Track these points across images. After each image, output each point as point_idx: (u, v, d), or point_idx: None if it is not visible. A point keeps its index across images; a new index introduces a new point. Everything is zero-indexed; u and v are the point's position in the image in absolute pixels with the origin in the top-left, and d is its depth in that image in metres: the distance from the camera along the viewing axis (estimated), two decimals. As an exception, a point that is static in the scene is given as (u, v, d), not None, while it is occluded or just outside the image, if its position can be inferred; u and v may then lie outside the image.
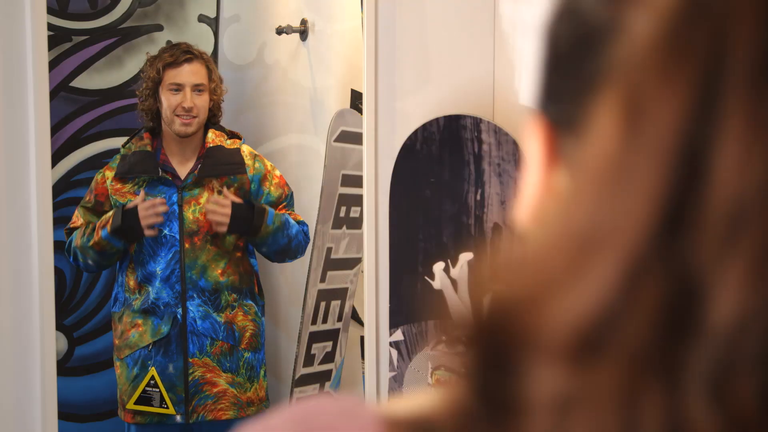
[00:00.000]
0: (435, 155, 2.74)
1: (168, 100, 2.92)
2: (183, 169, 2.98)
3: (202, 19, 4.05)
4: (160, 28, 4.03)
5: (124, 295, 2.98)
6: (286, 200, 3.07)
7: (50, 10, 3.38)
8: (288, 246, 3.01)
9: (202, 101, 2.93)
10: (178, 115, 2.92)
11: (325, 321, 3.45)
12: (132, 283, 2.96)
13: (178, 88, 2.90)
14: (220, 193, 2.94)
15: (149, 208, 2.83)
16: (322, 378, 3.49)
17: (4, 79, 2.36)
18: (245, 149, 3.04)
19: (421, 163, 2.74)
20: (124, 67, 3.99)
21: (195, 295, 2.92)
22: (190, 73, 2.92)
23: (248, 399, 3.00)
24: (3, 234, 2.37)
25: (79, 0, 3.93)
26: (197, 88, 2.92)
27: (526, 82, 2.77)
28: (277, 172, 3.07)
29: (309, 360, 3.43)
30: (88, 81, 3.88)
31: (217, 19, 4.05)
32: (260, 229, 2.89)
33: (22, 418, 2.41)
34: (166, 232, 2.92)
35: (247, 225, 2.88)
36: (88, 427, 3.69)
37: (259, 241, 2.95)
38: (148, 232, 2.84)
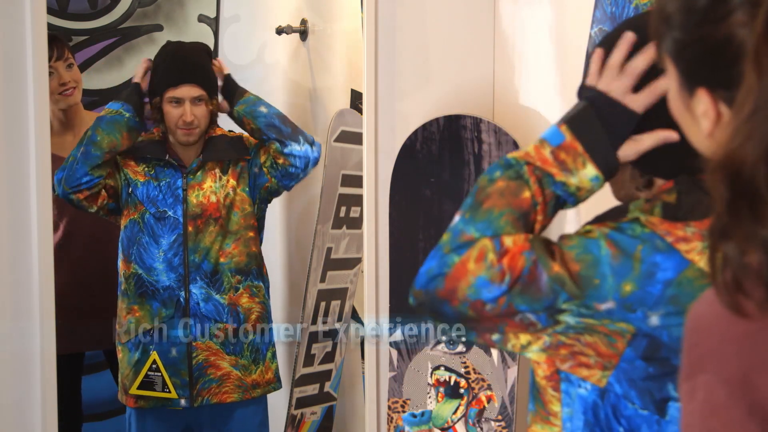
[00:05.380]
0: (435, 155, 2.73)
1: (169, 114, 2.96)
2: (188, 161, 3.03)
3: (202, 19, 4.06)
4: (159, 28, 4.03)
5: (121, 280, 3.00)
6: None
7: (50, 10, 3.38)
8: (282, 116, 3.07)
9: (202, 111, 2.97)
10: (179, 128, 2.96)
11: (325, 321, 3.45)
12: (125, 265, 2.97)
13: (179, 101, 2.95)
14: (220, 178, 3.00)
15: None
16: (322, 378, 3.49)
17: (4, 79, 2.36)
18: (245, 136, 3.10)
19: (421, 163, 2.74)
20: (124, 67, 3.99)
21: (198, 278, 2.94)
22: (189, 89, 2.96)
23: (253, 381, 3.02)
24: (3, 234, 2.37)
25: (79, 0, 3.93)
26: (196, 100, 2.96)
27: (527, 82, 2.77)
28: None
29: (309, 360, 3.43)
30: (88, 81, 3.88)
31: (217, 19, 4.05)
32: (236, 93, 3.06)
33: (22, 418, 2.41)
34: (170, 213, 2.95)
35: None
36: (88, 427, 3.69)
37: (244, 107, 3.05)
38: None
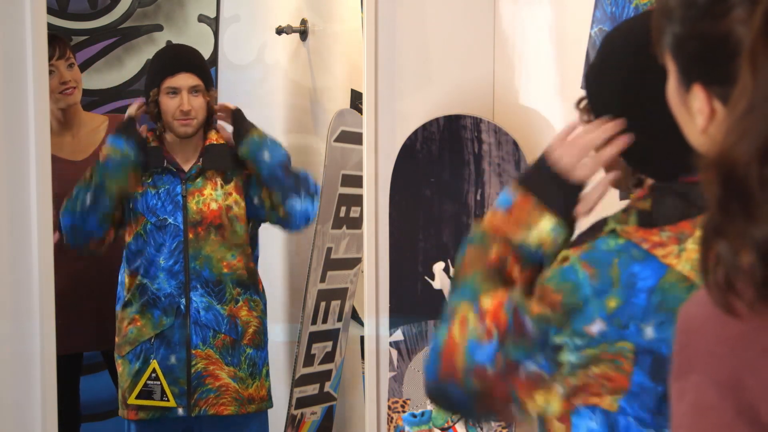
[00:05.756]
0: (435, 155, 2.74)
1: (166, 105, 2.96)
2: (186, 165, 3.02)
3: (202, 19, 4.06)
4: (160, 28, 4.03)
5: (123, 292, 2.99)
6: None
7: (50, 10, 3.38)
8: (285, 165, 3.00)
9: (200, 102, 2.97)
10: (176, 119, 2.95)
11: (325, 321, 3.45)
12: (130, 278, 2.97)
13: (175, 91, 2.95)
14: (222, 186, 2.99)
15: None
16: (322, 378, 3.49)
17: (4, 79, 2.36)
18: None
19: (421, 163, 2.74)
20: (124, 67, 3.99)
21: (198, 286, 2.94)
22: (186, 77, 2.96)
23: (249, 396, 3.01)
24: (3, 234, 2.37)
25: (79, 0, 3.94)
26: (194, 89, 2.96)
27: (527, 82, 2.77)
28: None
29: (309, 360, 3.43)
30: (88, 81, 3.88)
31: (217, 19, 4.05)
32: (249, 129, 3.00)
33: (22, 418, 2.41)
34: (171, 221, 2.95)
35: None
36: (87, 427, 3.69)
37: (250, 145, 2.99)
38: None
